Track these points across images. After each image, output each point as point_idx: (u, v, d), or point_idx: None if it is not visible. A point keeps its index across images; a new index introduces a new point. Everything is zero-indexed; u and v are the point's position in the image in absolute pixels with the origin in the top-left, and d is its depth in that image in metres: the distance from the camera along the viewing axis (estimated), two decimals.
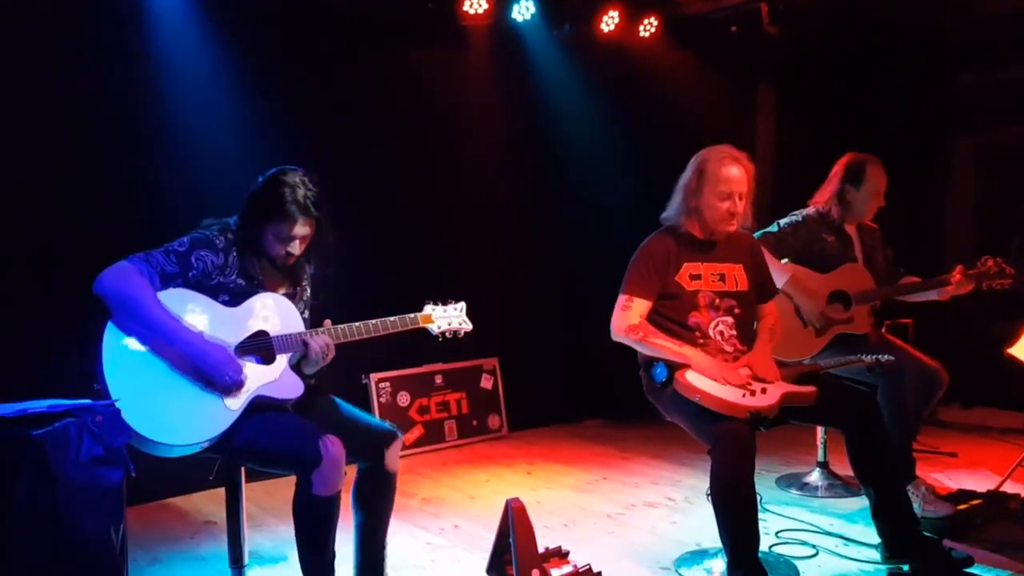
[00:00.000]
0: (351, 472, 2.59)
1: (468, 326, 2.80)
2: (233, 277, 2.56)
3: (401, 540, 3.28)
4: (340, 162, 4.23)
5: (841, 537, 3.32)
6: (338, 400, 2.75)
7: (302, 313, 2.69)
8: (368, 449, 2.63)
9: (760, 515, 2.85)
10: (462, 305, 2.81)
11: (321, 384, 2.74)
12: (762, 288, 3.19)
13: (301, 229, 2.54)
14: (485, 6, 4.76)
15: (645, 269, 3.01)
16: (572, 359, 5.52)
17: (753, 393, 2.82)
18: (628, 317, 2.96)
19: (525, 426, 5.21)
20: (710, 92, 5.63)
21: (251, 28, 4.10)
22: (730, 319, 3.03)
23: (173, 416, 2.37)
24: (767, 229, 3.78)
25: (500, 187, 5.17)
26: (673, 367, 2.89)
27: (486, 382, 5.12)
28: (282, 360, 2.56)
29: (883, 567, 3.00)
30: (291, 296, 2.68)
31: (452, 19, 4.77)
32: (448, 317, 2.78)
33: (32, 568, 1.94)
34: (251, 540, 3.08)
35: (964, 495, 3.53)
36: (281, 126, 4.09)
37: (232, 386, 2.43)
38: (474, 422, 5.02)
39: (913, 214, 5.58)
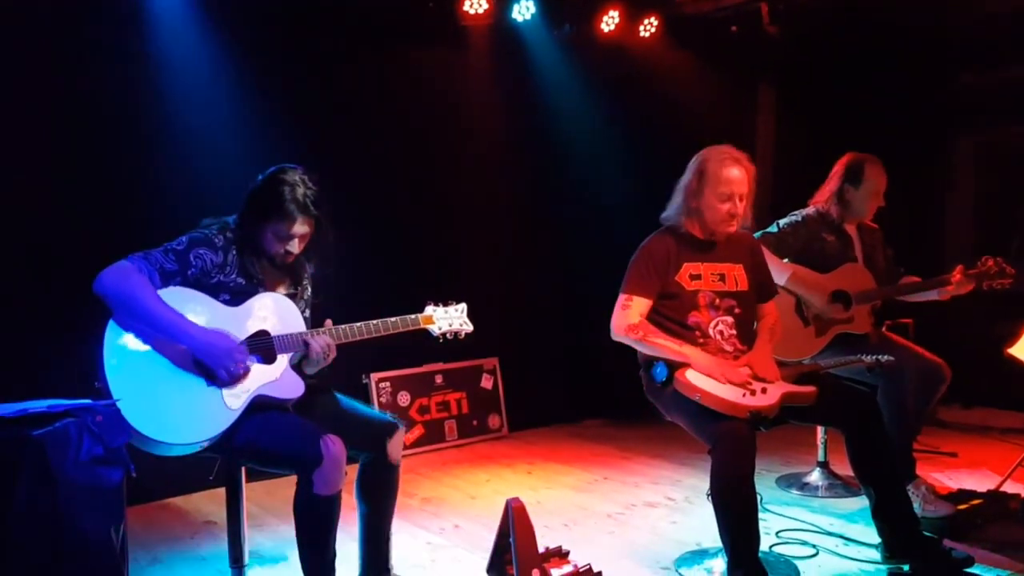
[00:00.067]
0: (352, 471, 2.58)
1: (469, 327, 2.80)
2: (233, 276, 2.56)
3: (402, 540, 3.28)
4: (340, 162, 4.22)
5: (841, 537, 3.32)
6: (338, 395, 2.75)
7: (303, 312, 2.69)
8: (370, 441, 2.64)
9: (760, 515, 2.84)
10: (463, 306, 2.81)
11: (322, 383, 2.74)
12: (762, 288, 3.19)
13: (300, 228, 2.54)
14: (485, 6, 4.76)
15: (645, 269, 3.01)
16: (572, 359, 5.51)
17: (753, 393, 2.82)
18: (628, 316, 2.96)
19: (525, 426, 5.21)
20: (710, 92, 5.63)
21: (251, 28, 4.10)
22: (730, 319, 3.03)
23: (174, 415, 2.37)
24: (767, 229, 3.77)
25: (500, 187, 5.17)
26: (673, 366, 2.89)
27: (486, 382, 5.11)
28: (283, 360, 2.56)
29: (883, 567, 3.00)
30: (292, 295, 2.68)
31: (452, 19, 4.77)
32: (449, 318, 2.78)
33: (32, 568, 1.94)
34: (251, 540, 3.07)
35: (964, 495, 3.53)
36: (281, 126, 4.08)
37: (235, 374, 2.43)
38: (474, 422, 5.01)
39: (913, 214, 5.58)
